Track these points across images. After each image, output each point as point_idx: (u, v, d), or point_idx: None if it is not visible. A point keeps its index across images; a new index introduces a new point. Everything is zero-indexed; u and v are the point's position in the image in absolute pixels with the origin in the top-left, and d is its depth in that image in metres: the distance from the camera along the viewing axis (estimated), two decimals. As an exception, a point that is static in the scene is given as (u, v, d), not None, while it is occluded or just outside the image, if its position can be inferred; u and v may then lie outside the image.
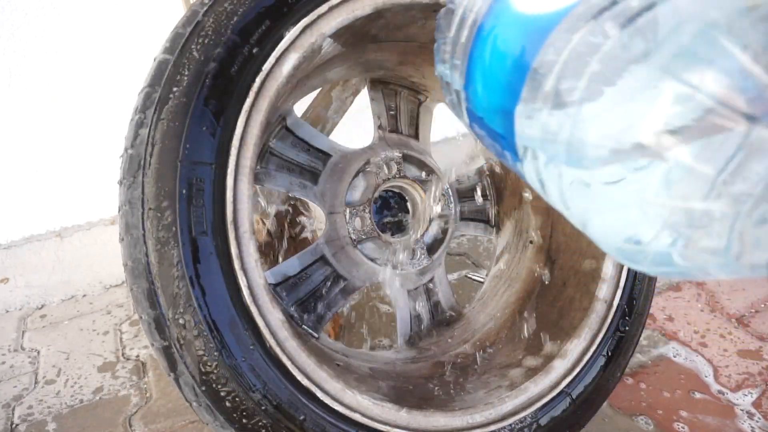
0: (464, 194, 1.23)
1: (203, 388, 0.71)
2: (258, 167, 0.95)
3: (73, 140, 1.62)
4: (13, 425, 1.15)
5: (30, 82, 1.52)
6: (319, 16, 0.82)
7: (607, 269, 1.01)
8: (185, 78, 0.72)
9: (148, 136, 0.71)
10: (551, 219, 1.18)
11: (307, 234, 1.28)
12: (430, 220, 1.10)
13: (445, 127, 2.22)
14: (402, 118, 1.17)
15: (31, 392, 1.24)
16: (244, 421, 0.72)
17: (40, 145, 1.58)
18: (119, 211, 0.73)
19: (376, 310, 1.45)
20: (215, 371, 0.70)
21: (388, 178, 1.05)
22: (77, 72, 1.57)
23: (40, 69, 1.52)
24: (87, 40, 1.56)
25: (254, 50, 0.76)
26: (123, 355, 1.35)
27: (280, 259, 1.30)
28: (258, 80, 0.77)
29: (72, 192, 1.66)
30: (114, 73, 1.61)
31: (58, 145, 1.60)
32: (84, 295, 1.59)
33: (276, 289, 0.95)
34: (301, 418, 0.74)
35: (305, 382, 0.75)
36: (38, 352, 1.37)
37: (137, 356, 1.34)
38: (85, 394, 1.23)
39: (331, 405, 0.76)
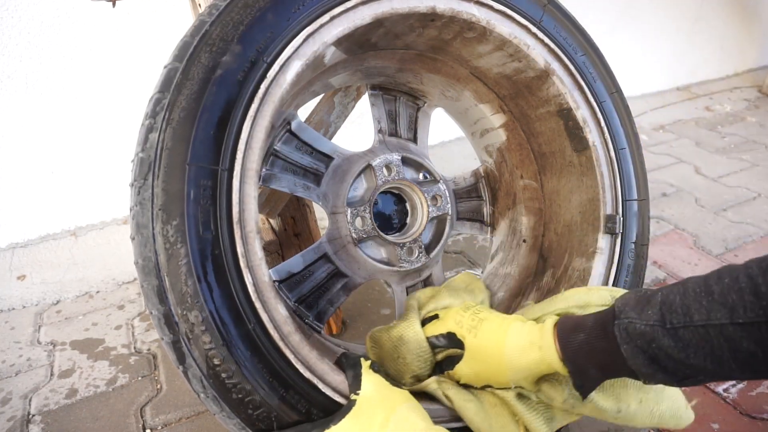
0: (461, 195, 1.25)
1: (210, 381, 0.73)
2: (263, 169, 0.97)
3: (87, 143, 1.66)
4: (30, 416, 1.19)
5: (46, 87, 1.55)
6: (322, 26, 0.84)
7: (597, 267, 1.04)
8: (193, 84, 0.74)
9: (158, 140, 0.73)
10: (543, 219, 1.21)
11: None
12: (428, 220, 1.12)
13: (442, 132, 2.26)
14: (401, 123, 1.19)
15: (47, 384, 1.28)
16: (249, 411, 0.74)
17: (55, 148, 1.62)
18: (130, 211, 0.75)
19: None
20: (222, 364, 0.72)
21: (388, 180, 1.07)
22: (91, 78, 1.61)
23: (56, 75, 1.56)
24: (100, 48, 1.59)
25: (259, 58, 0.78)
26: (135, 348, 1.39)
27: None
28: (263, 87, 0.79)
29: (86, 193, 1.69)
30: (125, 79, 1.64)
31: (72, 148, 1.64)
32: (98, 292, 1.63)
33: (280, 285, 0.97)
34: (304, 408, 0.77)
35: (308, 374, 0.78)
36: (54, 346, 1.41)
37: (148, 350, 1.38)
38: (99, 385, 1.27)
39: (332, 396, 0.79)
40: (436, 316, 0.95)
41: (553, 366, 0.78)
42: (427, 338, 0.91)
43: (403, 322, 0.95)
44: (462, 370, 0.88)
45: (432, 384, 0.89)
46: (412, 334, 0.92)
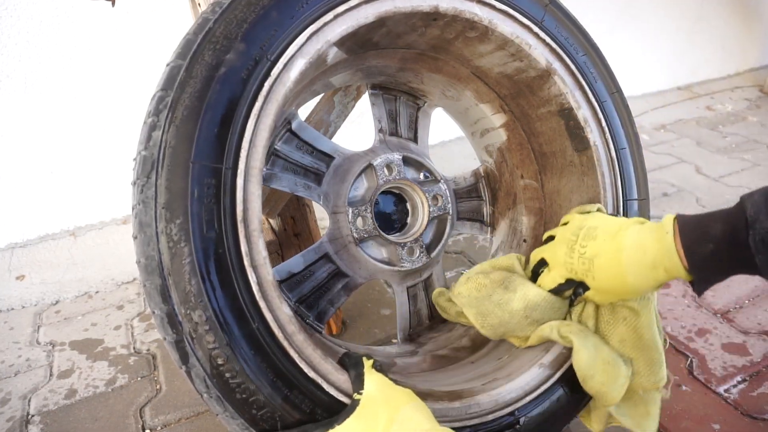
0: (461, 195, 1.25)
1: (214, 381, 0.72)
2: (264, 169, 0.97)
3: (87, 143, 1.65)
4: (29, 416, 1.19)
5: (45, 87, 1.55)
6: (325, 24, 0.84)
7: (599, 267, 1.04)
8: (197, 82, 0.74)
9: (161, 139, 0.72)
10: (544, 219, 1.21)
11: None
12: (429, 220, 1.12)
13: (442, 131, 2.26)
14: (401, 122, 1.19)
15: (46, 385, 1.27)
16: (253, 411, 0.74)
17: (55, 147, 1.61)
18: (133, 210, 0.74)
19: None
20: (226, 364, 0.72)
21: (389, 180, 1.07)
22: (90, 78, 1.60)
23: (55, 75, 1.55)
24: (99, 47, 1.59)
25: (263, 56, 0.78)
26: (134, 348, 1.38)
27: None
28: (267, 85, 0.78)
29: (85, 193, 1.69)
30: (125, 78, 1.64)
31: (72, 147, 1.64)
32: (97, 292, 1.62)
33: (281, 285, 0.97)
34: (308, 408, 0.77)
35: (312, 374, 0.77)
36: (53, 346, 1.40)
37: (148, 350, 1.37)
38: (98, 386, 1.26)
39: (336, 396, 0.79)
40: (542, 264, 0.96)
41: (678, 276, 0.78)
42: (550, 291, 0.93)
43: (516, 291, 0.95)
44: (589, 298, 0.91)
45: (545, 330, 0.92)
46: (535, 296, 0.92)
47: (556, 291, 0.93)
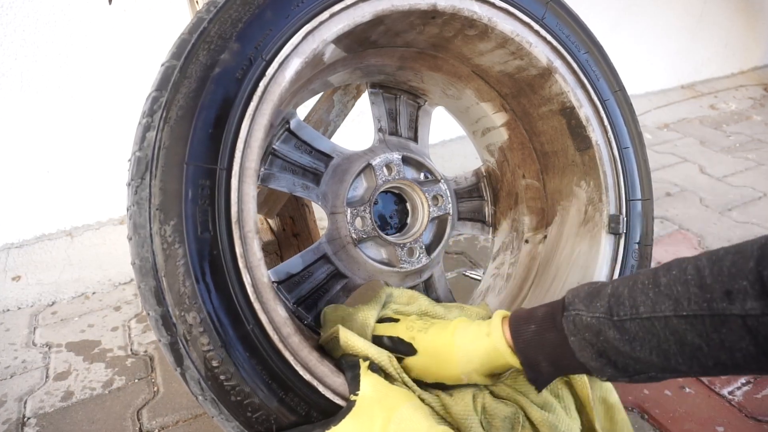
0: (462, 194, 1.24)
1: (209, 383, 0.72)
2: (262, 169, 0.96)
3: (84, 142, 1.64)
4: (25, 418, 1.18)
5: (41, 86, 1.54)
6: (321, 23, 0.83)
7: (600, 269, 1.03)
8: (191, 83, 0.73)
9: (156, 139, 0.72)
10: (546, 219, 1.20)
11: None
12: (429, 220, 1.11)
13: (443, 130, 2.24)
14: (401, 122, 1.18)
15: (42, 387, 1.26)
16: (248, 414, 0.74)
17: (51, 147, 1.60)
18: (127, 211, 0.74)
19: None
20: (220, 366, 0.71)
21: (388, 180, 1.06)
22: (87, 76, 1.59)
23: (51, 74, 1.54)
24: (96, 46, 1.58)
25: (258, 56, 0.78)
26: (131, 350, 1.37)
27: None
28: (262, 85, 0.78)
29: (82, 193, 1.68)
30: (122, 77, 1.63)
31: (69, 147, 1.63)
32: (94, 293, 1.61)
33: (279, 286, 0.96)
34: (304, 411, 0.76)
35: (307, 376, 0.77)
36: (49, 348, 1.39)
37: (145, 351, 1.36)
38: (95, 388, 1.25)
39: (332, 399, 0.78)
40: (396, 320, 0.95)
41: (504, 356, 0.78)
42: (375, 336, 0.91)
43: (361, 305, 0.95)
44: (411, 362, 0.87)
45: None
46: (361, 317, 0.92)
47: (382, 341, 0.90)
